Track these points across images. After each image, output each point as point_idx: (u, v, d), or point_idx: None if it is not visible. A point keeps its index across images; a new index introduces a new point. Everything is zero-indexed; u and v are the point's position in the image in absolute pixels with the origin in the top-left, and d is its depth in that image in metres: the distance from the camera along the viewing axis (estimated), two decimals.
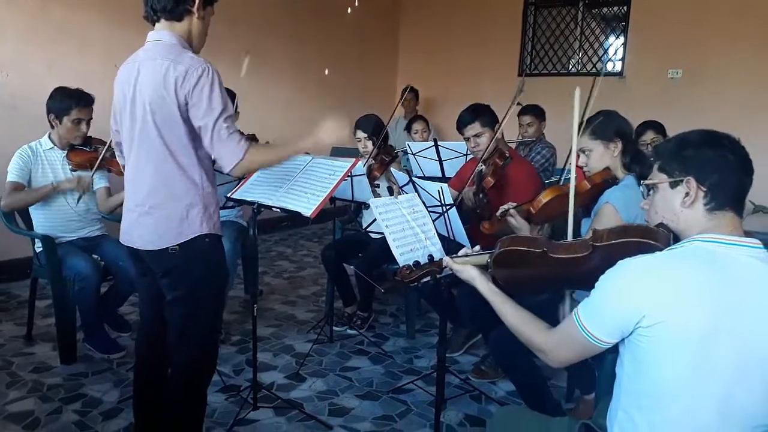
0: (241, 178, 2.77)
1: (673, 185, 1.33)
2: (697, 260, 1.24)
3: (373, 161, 3.47)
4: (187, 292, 1.93)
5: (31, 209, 3.08)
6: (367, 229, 3.43)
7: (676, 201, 1.32)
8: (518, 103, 3.07)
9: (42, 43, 4.20)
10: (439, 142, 3.71)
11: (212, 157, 1.89)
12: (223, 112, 1.80)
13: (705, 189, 1.29)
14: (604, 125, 2.24)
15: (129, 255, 2.04)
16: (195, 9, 1.87)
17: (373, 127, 3.56)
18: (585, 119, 2.27)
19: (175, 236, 1.88)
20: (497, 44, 6.86)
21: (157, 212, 1.88)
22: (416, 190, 2.63)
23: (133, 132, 1.89)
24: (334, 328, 3.49)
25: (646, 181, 1.41)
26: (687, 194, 1.30)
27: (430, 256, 1.81)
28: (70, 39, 4.35)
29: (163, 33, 1.87)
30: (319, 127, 2.07)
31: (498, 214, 2.38)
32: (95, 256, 3.11)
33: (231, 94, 2.80)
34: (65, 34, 4.32)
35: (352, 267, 3.53)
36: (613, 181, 2.22)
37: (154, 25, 1.90)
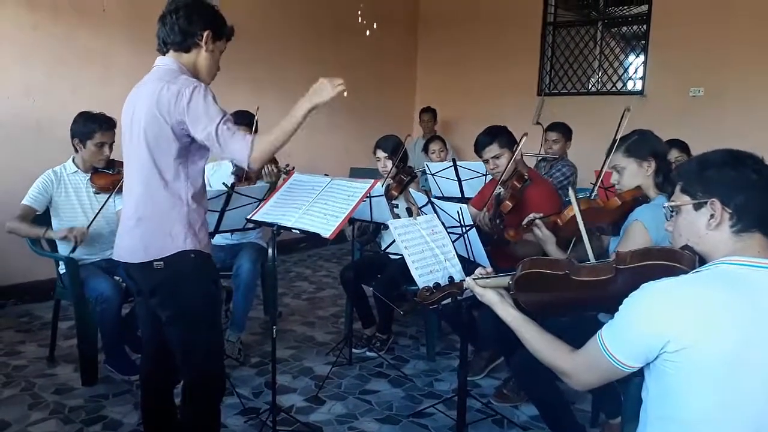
0: (261, 200, 2.79)
1: (697, 207, 1.30)
2: (724, 284, 1.20)
3: (392, 181, 3.48)
4: (178, 312, 1.94)
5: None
6: (386, 250, 3.42)
7: (701, 223, 1.29)
8: (538, 122, 3.07)
9: (67, 68, 4.32)
10: (457, 162, 3.70)
11: (227, 159, 1.93)
12: (222, 118, 1.83)
13: (730, 211, 1.25)
14: (638, 144, 2.23)
15: (124, 273, 2.08)
16: (203, 42, 1.94)
17: (393, 147, 3.57)
18: (618, 138, 2.27)
19: (159, 250, 1.91)
20: (516, 64, 6.87)
21: (143, 225, 1.92)
22: (435, 211, 2.61)
23: (129, 151, 1.97)
24: (354, 350, 3.46)
25: (669, 203, 1.38)
26: (712, 216, 1.27)
27: (451, 278, 1.79)
28: (94, 65, 4.46)
29: (167, 59, 1.96)
30: (312, 89, 1.99)
31: (524, 223, 2.36)
32: (117, 278, 3.14)
33: (250, 116, 2.83)
34: (89, 60, 4.43)
35: (371, 288, 3.52)
36: (644, 199, 2.20)
37: (164, 55, 1.99)
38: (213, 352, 2.07)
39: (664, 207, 1.42)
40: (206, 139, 1.84)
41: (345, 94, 1.97)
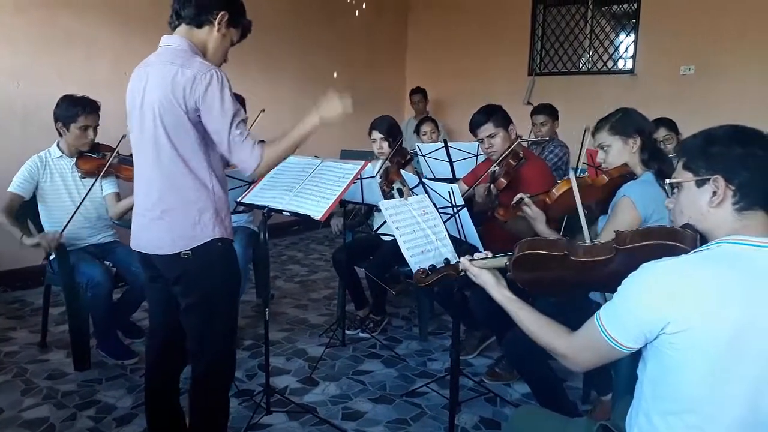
0: (250, 183, 2.78)
1: (700, 184, 1.26)
2: (725, 263, 1.18)
3: (390, 164, 3.46)
4: (201, 299, 1.91)
5: (42, 218, 3.10)
6: (378, 232, 3.42)
7: (703, 201, 1.26)
8: (529, 103, 3.05)
9: (51, 52, 4.24)
10: (449, 143, 3.69)
11: (230, 162, 1.89)
12: (235, 116, 1.79)
13: (734, 188, 1.22)
14: (623, 121, 2.23)
15: (139, 260, 2.03)
16: (216, 22, 1.87)
17: (389, 127, 3.55)
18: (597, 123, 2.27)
19: (188, 241, 1.86)
20: (506, 44, 6.84)
21: (168, 217, 1.86)
22: (426, 192, 2.61)
23: (142, 137, 1.88)
24: (347, 331, 3.47)
25: (671, 180, 1.34)
26: (714, 193, 1.23)
27: (447, 260, 1.79)
28: (79, 47, 4.39)
29: (175, 38, 1.87)
30: (321, 101, 1.96)
31: (513, 202, 2.36)
32: (107, 263, 3.12)
33: (240, 99, 2.81)
34: (74, 43, 4.36)
35: (363, 270, 3.52)
36: (630, 176, 2.21)
37: (174, 30, 1.90)
38: (228, 337, 2.07)
39: (665, 184, 1.39)
40: (214, 137, 1.81)
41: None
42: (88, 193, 3.04)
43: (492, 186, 2.86)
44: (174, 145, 1.82)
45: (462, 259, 1.69)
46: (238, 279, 2.14)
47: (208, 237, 1.88)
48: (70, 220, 2.97)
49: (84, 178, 3.10)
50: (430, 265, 1.75)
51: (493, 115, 3.02)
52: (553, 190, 2.33)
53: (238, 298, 2.12)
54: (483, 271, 1.63)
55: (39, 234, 2.95)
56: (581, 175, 2.48)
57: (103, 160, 3.09)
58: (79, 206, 3.01)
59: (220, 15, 1.87)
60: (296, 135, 1.90)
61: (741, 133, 1.25)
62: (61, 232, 2.91)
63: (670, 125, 3.59)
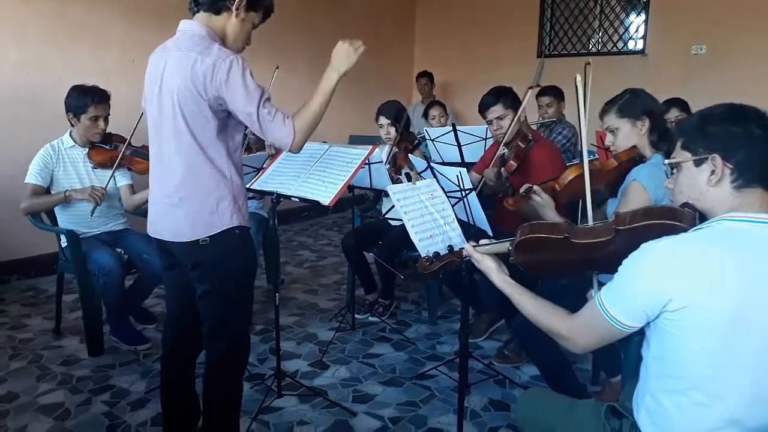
0: (259, 169, 2.79)
1: (698, 163, 1.27)
2: (725, 240, 1.19)
3: (397, 149, 3.46)
4: (218, 285, 1.93)
5: (56, 208, 3.12)
6: (387, 216, 3.42)
7: (702, 179, 1.27)
8: (538, 85, 3.02)
9: (61, 41, 4.25)
10: (457, 127, 3.67)
11: (268, 142, 1.88)
12: (261, 97, 1.78)
13: (731, 166, 1.23)
14: (630, 103, 2.20)
15: (156, 247, 2.04)
16: (234, 7, 1.84)
17: (396, 113, 3.54)
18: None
19: (206, 228, 1.87)
20: (515, 26, 6.76)
21: (187, 204, 1.86)
22: (435, 176, 2.60)
23: (161, 123, 1.87)
24: (356, 315, 3.49)
25: (669, 160, 1.36)
26: (713, 172, 1.25)
27: (450, 246, 1.79)
28: (88, 37, 4.39)
29: (194, 24, 1.85)
30: (333, 57, 1.93)
31: (522, 191, 2.35)
32: (119, 250, 3.15)
33: None
34: (83, 33, 4.36)
35: (372, 255, 3.53)
36: (640, 159, 2.18)
37: (193, 16, 1.88)
38: (244, 323, 2.09)
39: (664, 164, 1.40)
40: (246, 120, 1.80)
41: (362, 49, 1.92)
42: (107, 183, 3.08)
43: (502, 169, 2.85)
44: (193, 134, 1.81)
45: (465, 245, 1.71)
46: (255, 266, 2.16)
47: (226, 225, 1.88)
48: (105, 188, 3.06)
49: (96, 168, 3.12)
50: (435, 252, 1.76)
51: (503, 96, 3.00)
52: (562, 177, 2.30)
53: (253, 283, 2.13)
54: (485, 257, 1.64)
55: (88, 186, 3.04)
56: (590, 159, 2.46)
57: (115, 152, 3.10)
58: (95, 207, 3.04)
59: (237, 0, 1.84)
60: (320, 97, 1.87)
61: (737, 111, 1.26)
62: (106, 186, 3.03)
63: (683, 105, 3.54)
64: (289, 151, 1.87)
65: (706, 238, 1.22)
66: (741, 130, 1.23)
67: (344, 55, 1.91)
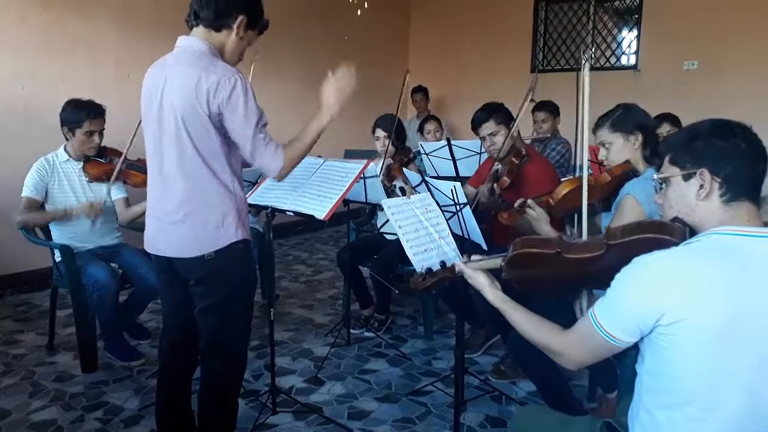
0: (254, 183, 2.79)
1: (686, 178, 1.29)
2: (716, 254, 1.20)
3: (392, 161, 3.47)
4: (221, 299, 1.93)
5: (50, 222, 3.11)
6: (382, 231, 3.42)
7: (691, 194, 1.28)
8: (532, 100, 3.04)
9: (56, 55, 4.26)
10: (452, 141, 3.69)
11: (253, 166, 1.91)
12: (258, 121, 1.81)
13: (720, 180, 1.25)
14: (623, 118, 2.21)
15: (155, 263, 2.03)
16: (235, 26, 1.86)
17: (392, 126, 3.56)
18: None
19: (212, 243, 1.87)
20: (508, 41, 6.82)
21: (192, 220, 1.86)
22: (429, 190, 2.61)
23: (161, 139, 1.86)
24: (352, 330, 3.48)
25: (658, 175, 1.37)
26: (702, 186, 1.26)
27: (443, 263, 1.79)
28: (83, 51, 4.41)
29: (194, 40, 1.86)
30: (324, 91, 1.96)
31: (516, 205, 2.36)
32: (113, 265, 3.14)
33: None
34: (79, 46, 4.38)
35: (367, 269, 3.52)
36: (633, 173, 2.20)
37: (191, 29, 1.89)
38: (242, 340, 2.08)
39: (653, 179, 1.41)
40: (238, 140, 1.82)
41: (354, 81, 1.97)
42: (104, 203, 3.09)
43: (495, 185, 2.86)
44: (197, 149, 1.82)
45: (456, 261, 1.72)
46: (255, 280, 2.16)
47: (231, 239, 1.89)
48: (103, 204, 3.07)
49: (91, 182, 3.12)
50: (427, 269, 1.76)
51: (495, 112, 3.01)
52: (557, 191, 2.31)
53: (253, 297, 2.13)
54: (478, 273, 1.64)
55: (86, 202, 3.03)
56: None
57: (110, 165, 3.10)
58: (94, 220, 3.07)
59: (239, 19, 1.86)
60: (311, 136, 1.93)
61: (723, 126, 1.28)
62: (105, 198, 3.05)
63: (674, 121, 3.57)
64: (274, 178, 1.90)
65: (697, 252, 1.23)
66: (728, 145, 1.25)
67: (335, 98, 1.96)
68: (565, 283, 1.60)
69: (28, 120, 4.11)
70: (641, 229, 1.37)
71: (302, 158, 1.95)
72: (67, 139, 3.08)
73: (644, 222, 1.44)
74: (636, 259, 1.23)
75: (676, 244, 1.28)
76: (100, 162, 3.13)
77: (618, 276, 1.26)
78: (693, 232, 1.32)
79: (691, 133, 1.31)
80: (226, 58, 1.90)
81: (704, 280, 1.16)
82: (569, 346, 1.37)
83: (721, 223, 1.25)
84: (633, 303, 1.22)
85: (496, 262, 1.61)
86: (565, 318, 1.48)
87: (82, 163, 3.11)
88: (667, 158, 1.34)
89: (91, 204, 3.00)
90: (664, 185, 1.36)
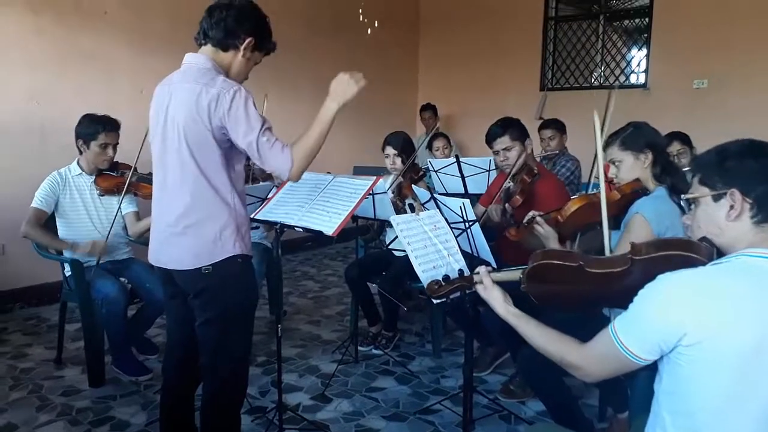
0: (264, 199, 2.80)
1: (716, 198, 1.27)
2: (743, 276, 1.18)
3: (403, 179, 3.47)
4: (219, 313, 1.93)
5: (60, 233, 3.14)
6: (390, 247, 3.42)
7: (721, 215, 1.26)
8: (541, 118, 3.05)
9: (70, 72, 4.33)
10: (461, 159, 3.69)
11: (266, 170, 1.91)
12: (263, 126, 1.81)
13: (751, 201, 1.22)
14: (634, 136, 2.21)
15: (159, 276, 2.05)
16: (242, 47, 1.90)
17: (403, 143, 3.57)
18: (607, 130, 2.25)
19: (209, 256, 1.88)
20: (518, 59, 6.86)
21: (191, 232, 1.88)
22: (438, 207, 2.61)
23: (165, 154, 1.90)
24: (359, 347, 3.46)
25: (687, 195, 1.35)
26: (732, 207, 1.24)
27: (461, 270, 1.78)
28: (98, 67, 4.47)
29: (199, 57, 1.90)
30: (333, 87, 1.94)
31: (524, 221, 2.35)
32: (123, 279, 3.15)
33: None
34: (93, 63, 4.44)
35: (375, 286, 3.51)
36: (643, 192, 2.19)
37: (199, 47, 1.93)
38: (243, 354, 2.08)
39: (682, 199, 1.39)
40: (247, 149, 1.83)
41: (363, 83, 1.91)
42: (115, 217, 3.12)
43: (507, 204, 2.85)
44: (197, 163, 1.84)
45: (480, 267, 1.67)
46: (256, 295, 2.16)
47: (229, 253, 1.90)
48: (108, 234, 3.11)
49: (102, 195, 3.15)
50: (444, 276, 1.74)
51: (510, 127, 3.02)
52: (565, 208, 2.30)
53: (254, 313, 2.13)
54: (495, 286, 1.62)
55: (89, 241, 3.04)
56: (594, 191, 2.46)
57: (121, 178, 3.13)
58: (109, 232, 3.11)
59: (246, 41, 1.89)
60: (318, 127, 1.89)
61: (755, 146, 1.25)
62: (106, 239, 3.06)
63: (684, 139, 3.56)
64: (288, 179, 1.89)
65: (724, 272, 1.20)
66: (760, 166, 1.22)
67: (344, 86, 1.92)
68: (584, 299, 1.57)
69: (43, 137, 4.16)
70: (668, 246, 1.35)
71: (314, 153, 1.88)
72: (81, 153, 3.12)
73: (671, 239, 1.41)
74: (661, 276, 1.20)
75: (703, 264, 1.26)
76: (112, 175, 3.17)
77: (641, 292, 1.23)
78: (720, 253, 1.29)
79: (721, 153, 1.28)
80: (231, 75, 1.93)
81: (730, 302, 1.14)
82: (587, 360, 1.35)
83: (750, 245, 1.22)
84: (656, 320, 1.19)
85: (516, 274, 1.59)
86: (577, 336, 1.46)
87: (93, 177, 3.14)
88: (696, 178, 1.32)
89: (94, 243, 3.02)
90: (693, 206, 1.34)
